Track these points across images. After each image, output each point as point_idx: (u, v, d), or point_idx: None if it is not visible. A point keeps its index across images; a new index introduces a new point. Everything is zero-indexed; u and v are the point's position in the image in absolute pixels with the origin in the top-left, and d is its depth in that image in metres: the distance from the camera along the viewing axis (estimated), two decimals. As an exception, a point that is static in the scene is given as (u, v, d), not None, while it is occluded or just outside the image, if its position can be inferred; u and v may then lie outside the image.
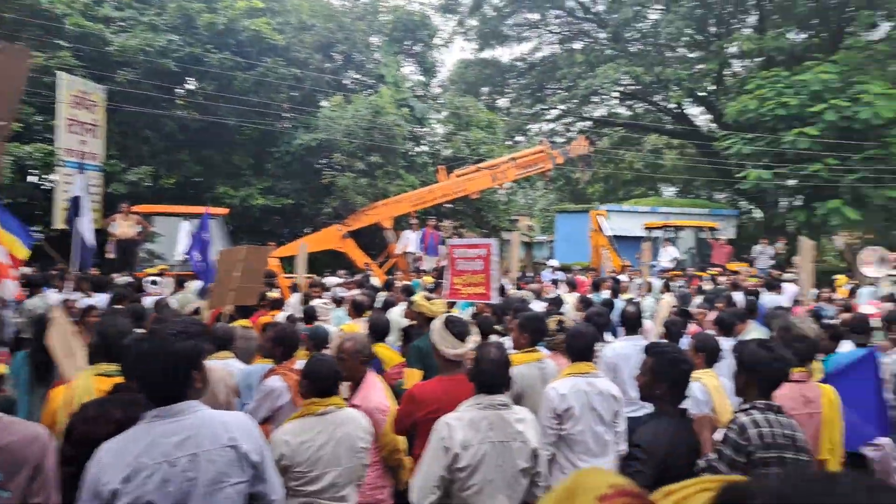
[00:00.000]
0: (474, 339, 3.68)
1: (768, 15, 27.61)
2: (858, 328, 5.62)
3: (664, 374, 3.08)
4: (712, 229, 19.77)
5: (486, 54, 33.02)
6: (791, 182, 21.48)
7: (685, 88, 26.41)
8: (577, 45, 31.37)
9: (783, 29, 25.14)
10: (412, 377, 4.85)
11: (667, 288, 11.41)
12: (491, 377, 3.22)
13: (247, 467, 2.34)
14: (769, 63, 25.98)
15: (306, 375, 3.42)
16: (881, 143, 19.87)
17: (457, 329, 3.67)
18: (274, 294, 8.70)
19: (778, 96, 20.80)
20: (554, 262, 18.48)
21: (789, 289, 11.09)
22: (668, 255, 16.77)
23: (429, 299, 6.16)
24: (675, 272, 14.96)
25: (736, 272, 15.63)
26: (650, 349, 3.24)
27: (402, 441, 3.96)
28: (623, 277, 13.36)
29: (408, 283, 10.96)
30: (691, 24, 27.32)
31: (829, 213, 19.84)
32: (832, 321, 7.01)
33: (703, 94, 28.96)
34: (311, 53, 19.84)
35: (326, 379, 3.40)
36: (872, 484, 0.81)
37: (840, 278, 13.95)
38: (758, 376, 3.03)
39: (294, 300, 9.35)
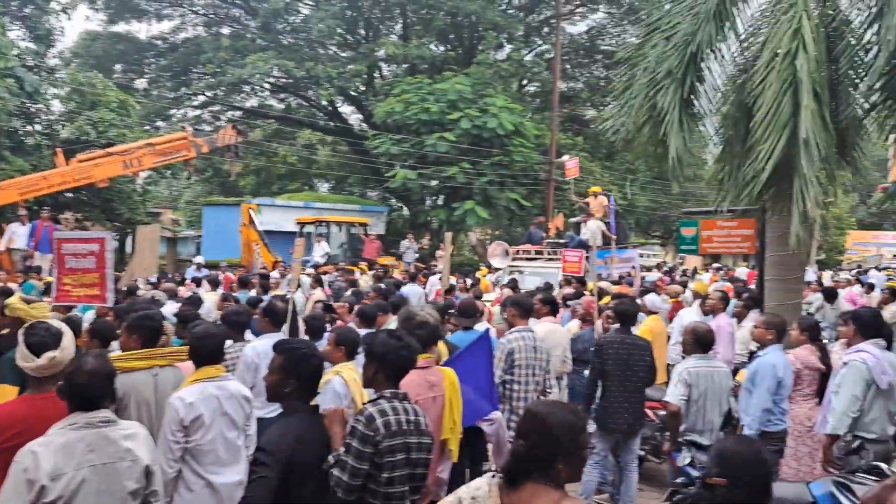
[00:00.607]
0: (55, 353, 3.12)
1: (412, 25, 30.19)
2: (467, 312, 6.24)
3: (294, 371, 2.99)
4: (364, 225, 20.84)
5: (120, 28, 30.01)
6: (434, 182, 23.73)
7: (336, 87, 27.36)
8: (225, 31, 30.33)
9: (425, 40, 27.71)
10: (4, 395, 4.00)
11: (318, 283, 11.60)
12: (88, 391, 2.78)
13: None
14: (414, 70, 28.42)
15: None
16: (504, 151, 23.18)
17: (33, 339, 3.12)
18: None
19: (421, 102, 22.83)
20: (199, 259, 17.54)
21: (434, 280, 12.18)
22: (320, 251, 17.16)
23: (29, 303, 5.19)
24: (326, 267, 15.37)
25: (386, 266, 16.66)
26: (279, 346, 3.13)
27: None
28: (275, 274, 13.24)
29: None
30: (341, 23, 28.46)
31: (466, 212, 22.47)
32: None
33: (355, 93, 30.40)
34: None
35: None
36: None
37: (483, 269, 15.79)
38: (387, 366, 3.13)
39: None
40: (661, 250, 37.18)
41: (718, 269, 20.18)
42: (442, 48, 30.32)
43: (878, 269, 26.38)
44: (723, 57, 9.58)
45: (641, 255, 30.87)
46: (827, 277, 19.65)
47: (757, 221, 10.05)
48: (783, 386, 5.14)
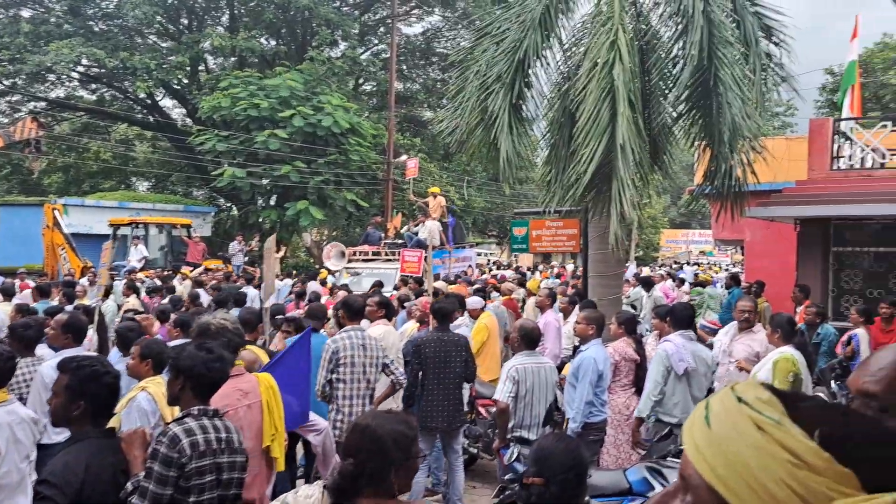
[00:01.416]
0: None
1: (240, 17, 29.02)
2: (315, 315, 6.34)
3: (81, 392, 2.68)
4: (187, 226, 19.70)
5: None
6: (265, 181, 22.95)
7: (156, 79, 25.64)
8: (26, 14, 27.37)
9: (254, 32, 26.72)
10: None
11: (132, 290, 10.75)
12: None
13: None
14: (243, 63, 27.32)
15: None
16: (341, 150, 22.91)
17: None
18: None
19: (250, 97, 21.98)
20: (-7, 266, 15.71)
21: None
22: (137, 254, 15.99)
23: None
24: (145, 272, 14.34)
25: (211, 269, 15.85)
26: (63, 364, 2.78)
27: None
28: (83, 280, 12.14)
29: None
30: (160, 11, 26.74)
31: (299, 212, 21.91)
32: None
33: (178, 86, 28.68)
34: None
35: None
36: None
37: (322, 272, 15.40)
38: (196, 380, 2.89)
39: None
40: (497, 249, 38.70)
41: (552, 267, 21.26)
42: (273, 42, 29.42)
43: (688, 264, 29.22)
44: (548, 64, 10.09)
45: (479, 255, 31.96)
46: (646, 273, 21.40)
47: (580, 221, 10.69)
48: (603, 378, 5.46)
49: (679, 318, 5.68)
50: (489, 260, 29.01)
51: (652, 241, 40.21)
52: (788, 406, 0.74)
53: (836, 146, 10.49)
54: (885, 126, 10.90)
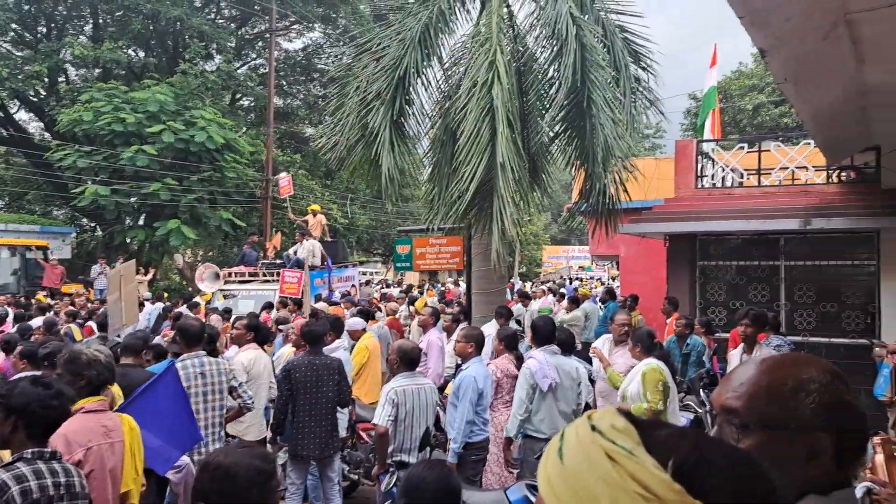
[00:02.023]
0: None
1: (105, 26, 27.48)
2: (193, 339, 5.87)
3: None
4: (43, 248, 18.28)
5: None
6: (132, 199, 21.70)
7: (9, 89, 23.79)
8: None
9: (121, 43, 25.35)
10: None
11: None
12: None
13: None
14: (108, 76, 25.83)
15: None
16: (215, 166, 22.06)
17: None
18: None
19: (115, 111, 20.78)
20: None
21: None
22: (-16, 281, 14.64)
23: None
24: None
25: (71, 294, 14.77)
26: None
27: None
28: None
29: None
30: (14, 16, 24.91)
31: (170, 232, 20.84)
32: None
33: (34, 98, 26.73)
34: None
35: None
36: None
37: (207, 295, 14.63)
38: (30, 420, 2.59)
39: None
40: (382, 267, 38.55)
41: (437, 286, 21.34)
42: (142, 54, 28.03)
43: (571, 280, 30.28)
44: (429, 82, 10.18)
45: (365, 274, 31.68)
46: (530, 288, 21.96)
47: (464, 239, 10.79)
48: (484, 396, 5.46)
49: (541, 333, 5.66)
50: (376, 279, 28.84)
51: (535, 257, 41.43)
52: (644, 434, 0.70)
53: (699, 166, 11.19)
54: (742, 148, 11.76)
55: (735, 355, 5.19)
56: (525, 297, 14.77)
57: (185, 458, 4.09)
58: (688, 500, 0.65)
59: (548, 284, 24.41)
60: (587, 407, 5.91)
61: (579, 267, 43.01)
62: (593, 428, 0.71)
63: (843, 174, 9.91)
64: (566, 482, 0.70)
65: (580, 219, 11.29)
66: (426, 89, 10.17)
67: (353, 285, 17.49)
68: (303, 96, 33.22)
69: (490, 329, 8.08)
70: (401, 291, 20.10)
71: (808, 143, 10.31)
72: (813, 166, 10.58)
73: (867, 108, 6.66)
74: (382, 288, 23.20)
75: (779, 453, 1.14)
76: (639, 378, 5.27)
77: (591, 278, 35.16)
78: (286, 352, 7.34)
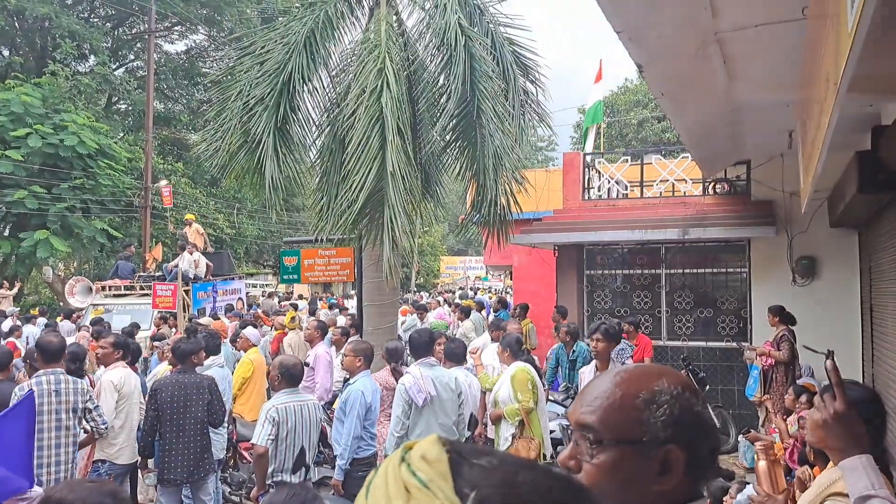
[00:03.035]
0: None
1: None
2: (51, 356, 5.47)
3: None
4: None
5: None
6: (-6, 209, 20.11)
7: None
8: None
9: (-19, 40, 23.57)
10: None
11: None
12: None
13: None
14: (-35, 73, 23.95)
15: None
16: (88, 173, 20.77)
17: None
18: None
19: (-27, 112, 19.26)
20: None
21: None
22: None
23: None
24: None
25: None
26: None
27: None
28: None
29: None
30: None
31: (38, 243, 19.44)
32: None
33: None
34: None
35: None
36: None
37: (99, 309, 13.66)
38: None
39: None
40: (273, 279, 37.56)
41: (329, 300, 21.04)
42: (7, 52, 26.14)
43: (472, 289, 30.57)
44: (316, 89, 10.00)
45: (255, 286, 30.77)
46: (426, 298, 22.00)
47: (354, 249, 10.65)
48: (372, 411, 5.37)
49: (416, 346, 5.58)
50: (264, 291, 28.06)
51: (432, 267, 41.65)
52: (456, 466, 0.64)
53: (586, 178, 11.58)
54: (626, 161, 12.27)
55: (587, 372, 5.34)
56: (422, 310, 14.76)
57: (36, 489, 3.75)
58: None
59: (440, 296, 24.58)
60: (471, 417, 5.94)
61: (476, 277, 43.61)
62: (402, 459, 0.66)
63: (718, 186, 10.51)
64: None
65: (475, 229, 11.39)
66: (312, 95, 9.99)
67: (239, 298, 16.94)
68: (185, 101, 31.93)
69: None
70: (289, 304, 19.66)
71: (686, 157, 10.88)
72: (691, 179, 11.18)
73: (738, 123, 7.11)
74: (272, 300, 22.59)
75: (632, 469, 1.12)
76: (508, 381, 5.46)
77: (490, 289, 35.71)
78: (161, 370, 6.96)
